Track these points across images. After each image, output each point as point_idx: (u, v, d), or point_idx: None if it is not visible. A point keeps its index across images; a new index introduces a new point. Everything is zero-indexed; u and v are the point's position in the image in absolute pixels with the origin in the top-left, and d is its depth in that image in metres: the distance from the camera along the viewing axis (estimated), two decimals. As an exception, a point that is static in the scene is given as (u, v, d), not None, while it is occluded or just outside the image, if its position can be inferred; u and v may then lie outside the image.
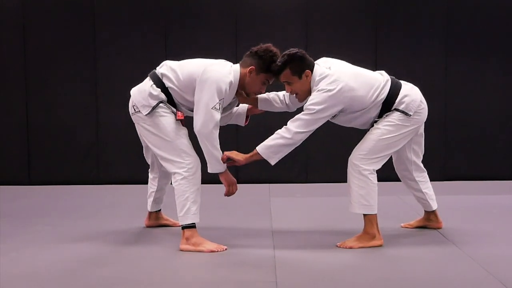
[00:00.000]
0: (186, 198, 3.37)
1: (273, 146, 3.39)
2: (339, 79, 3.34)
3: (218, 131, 3.41)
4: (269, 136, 3.44)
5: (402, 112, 3.43)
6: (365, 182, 3.42)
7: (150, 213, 3.97)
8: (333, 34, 5.89)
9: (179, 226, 3.52)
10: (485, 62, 5.99)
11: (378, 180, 3.47)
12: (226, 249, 3.37)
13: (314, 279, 2.85)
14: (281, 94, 3.75)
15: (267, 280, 2.81)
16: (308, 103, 3.37)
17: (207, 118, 3.34)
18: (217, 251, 3.34)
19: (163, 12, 5.93)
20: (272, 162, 3.44)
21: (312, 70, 3.42)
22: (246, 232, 3.84)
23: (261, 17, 5.87)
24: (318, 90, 3.34)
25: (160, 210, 3.99)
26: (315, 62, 3.49)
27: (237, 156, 3.45)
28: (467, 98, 6.03)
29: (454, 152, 6.07)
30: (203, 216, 3.89)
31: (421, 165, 3.74)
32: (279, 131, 3.42)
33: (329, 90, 3.31)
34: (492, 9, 5.96)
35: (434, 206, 3.80)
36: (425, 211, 3.86)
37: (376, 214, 3.45)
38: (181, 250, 3.37)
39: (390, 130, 3.44)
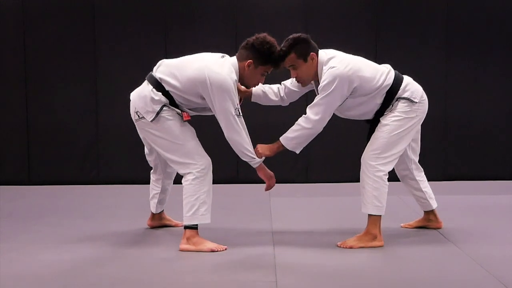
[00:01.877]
0: (196, 199, 3.36)
1: (296, 138, 3.48)
2: (347, 59, 3.43)
3: (246, 130, 3.43)
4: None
5: (407, 99, 3.45)
6: (380, 184, 3.44)
7: (153, 214, 3.96)
8: (333, 34, 5.88)
9: (181, 226, 3.52)
10: (485, 62, 5.99)
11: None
12: (226, 249, 3.38)
13: (314, 279, 2.85)
14: (275, 87, 3.75)
15: (267, 280, 2.81)
16: (321, 84, 3.40)
17: (233, 125, 3.36)
18: (217, 251, 3.34)
19: (163, 12, 5.92)
20: (297, 151, 3.57)
21: (317, 54, 3.46)
22: (246, 232, 3.84)
23: (261, 17, 5.86)
24: (330, 68, 3.37)
25: (163, 210, 3.99)
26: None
27: (264, 151, 3.52)
28: (467, 98, 6.02)
29: (454, 152, 6.06)
30: (203, 216, 3.91)
31: (419, 164, 3.75)
32: (299, 121, 3.47)
33: (339, 68, 3.36)
34: (492, 9, 5.96)
35: (434, 205, 3.81)
36: (424, 211, 3.86)
37: (381, 215, 3.46)
38: (181, 250, 3.37)
39: (399, 124, 3.45)
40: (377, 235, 3.44)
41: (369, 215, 3.46)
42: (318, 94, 3.45)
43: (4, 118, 6.01)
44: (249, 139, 3.46)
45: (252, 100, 3.74)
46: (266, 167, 3.56)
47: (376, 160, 3.44)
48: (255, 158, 3.48)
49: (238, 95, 3.62)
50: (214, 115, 3.67)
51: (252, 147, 3.48)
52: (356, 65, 3.41)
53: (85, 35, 5.93)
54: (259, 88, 3.71)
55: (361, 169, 3.50)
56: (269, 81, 3.79)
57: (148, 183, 3.92)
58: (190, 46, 5.76)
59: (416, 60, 5.90)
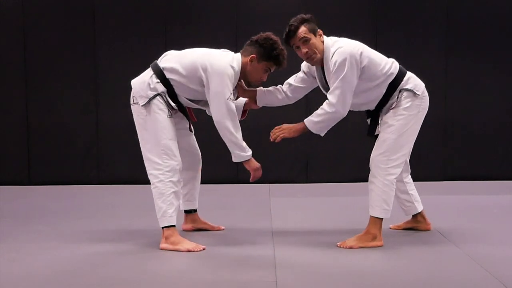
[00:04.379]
0: (163, 201, 3.36)
1: (320, 122, 3.47)
2: (353, 41, 3.46)
3: (238, 119, 3.44)
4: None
5: (411, 91, 3.45)
6: (389, 187, 3.44)
7: (185, 215, 3.83)
8: (333, 34, 5.86)
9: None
10: (485, 61, 5.99)
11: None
12: (204, 249, 3.36)
13: (314, 279, 2.85)
14: (279, 86, 3.75)
15: (267, 280, 2.81)
16: (333, 68, 3.38)
17: (224, 109, 3.36)
18: (194, 251, 3.33)
19: (163, 12, 5.93)
20: (322, 134, 3.54)
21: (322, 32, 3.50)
22: (246, 232, 3.84)
23: (261, 17, 5.87)
24: (339, 47, 3.38)
25: (196, 212, 3.85)
26: None
27: (289, 131, 3.51)
28: (467, 98, 6.03)
29: (454, 152, 6.06)
30: (204, 216, 3.91)
31: (409, 165, 3.72)
32: (323, 105, 3.45)
33: (347, 48, 3.37)
34: (492, 8, 5.97)
35: (420, 208, 3.77)
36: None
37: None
38: (161, 249, 3.38)
39: (403, 123, 3.45)
40: (377, 235, 3.44)
41: (371, 215, 3.46)
42: (328, 81, 3.44)
43: (4, 118, 6.01)
44: (240, 131, 3.43)
45: (258, 102, 3.72)
46: (253, 159, 3.52)
47: (387, 163, 3.43)
48: (245, 148, 3.45)
49: (242, 95, 3.67)
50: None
51: (242, 138, 3.43)
52: (363, 47, 3.44)
53: (85, 35, 5.93)
54: (262, 89, 3.72)
55: (370, 172, 3.49)
56: (271, 84, 3.80)
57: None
58: (190, 45, 5.75)
59: (416, 60, 5.87)
